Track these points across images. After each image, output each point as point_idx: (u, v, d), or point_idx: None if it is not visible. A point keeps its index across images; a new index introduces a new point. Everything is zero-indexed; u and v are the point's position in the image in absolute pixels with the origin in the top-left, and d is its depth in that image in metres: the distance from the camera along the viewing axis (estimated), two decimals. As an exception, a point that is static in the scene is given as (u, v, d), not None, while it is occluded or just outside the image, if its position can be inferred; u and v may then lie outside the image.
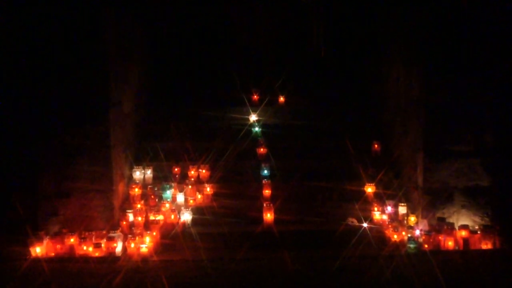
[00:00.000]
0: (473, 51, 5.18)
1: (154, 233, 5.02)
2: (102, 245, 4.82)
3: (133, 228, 5.12)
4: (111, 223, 5.18)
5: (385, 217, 5.36)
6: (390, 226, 5.17)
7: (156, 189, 5.63)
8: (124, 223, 5.19)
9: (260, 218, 5.28)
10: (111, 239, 4.84)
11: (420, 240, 5.02)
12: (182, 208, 5.37)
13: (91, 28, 5.03)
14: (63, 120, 5.08)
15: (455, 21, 5.17)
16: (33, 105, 5.07)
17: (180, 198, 5.58)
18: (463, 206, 5.27)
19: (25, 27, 5.05)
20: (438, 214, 5.28)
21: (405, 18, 5.81)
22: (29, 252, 4.74)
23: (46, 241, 4.83)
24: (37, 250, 4.75)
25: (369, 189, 5.68)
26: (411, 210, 5.46)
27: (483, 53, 5.19)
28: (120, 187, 5.49)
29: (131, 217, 5.24)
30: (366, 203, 5.56)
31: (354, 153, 6.09)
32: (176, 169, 5.90)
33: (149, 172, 5.83)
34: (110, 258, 4.73)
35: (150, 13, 6.96)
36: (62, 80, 5.06)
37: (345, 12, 7.50)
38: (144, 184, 5.72)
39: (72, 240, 4.85)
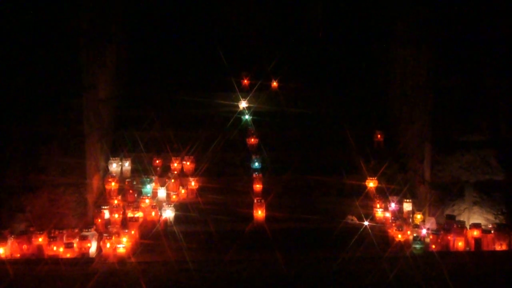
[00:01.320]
0: (487, 29, 5.18)
1: (133, 232, 5.00)
2: (74, 245, 4.80)
3: (109, 226, 5.11)
4: (84, 220, 5.18)
5: (388, 214, 5.37)
6: (393, 224, 5.16)
7: (135, 183, 5.64)
8: (99, 220, 5.19)
9: (251, 215, 5.30)
10: (84, 238, 4.81)
11: (427, 240, 5.03)
12: (164, 204, 5.37)
13: (62, 3, 5.00)
14: (30, 105, 5.06)
15: None
16: None
17: (162, 193, 5.60)
18: (475, 203, 5.30)
19: None
20: (447, 212, 5.30)
21: None
22: None
23: (10, 241, 4.80)
24: (1, 251, 4.72)
25: (371, 183, 5.70)
26: (417, 207, 5.49)
27: (498, 31, 5.18)
28: (95, 181, 5.49)
29: (106, 214, 5.25)
30: (367, 199, 5.59)
31: (354, 144, 6.12)
32: (157, 161, 5.93)
33: (127, 164, 5.85)
34: (83, 260, 4.73)
35: None
36: (27, 60, 5.02)
37: None
38: (121, 178, 5.73)
39: (40, 239, 4.81)
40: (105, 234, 4.87)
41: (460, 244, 4.99)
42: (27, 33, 4.99)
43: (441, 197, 5.31)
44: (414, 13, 5.76)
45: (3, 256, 4.70)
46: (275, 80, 7.02)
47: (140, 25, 7.40)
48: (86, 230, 4.95)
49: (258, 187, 5.61)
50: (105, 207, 5.27)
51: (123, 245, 4.81)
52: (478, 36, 5.18)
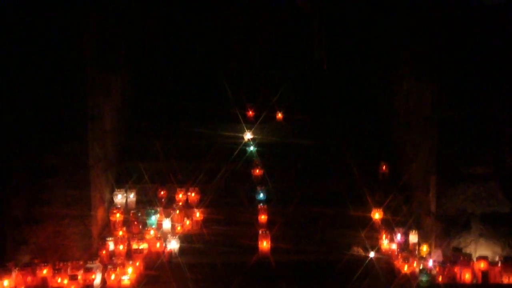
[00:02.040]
0: (491, 61, 5.21)
1: (137, 264, 5.01)
2: (79, 277, 4.76)
3: (113, 258, 5.08)
4: (89, 252, 5.16)
5: (394, 246, 5.34)
6: (399, 256, 5.15)
7: (139, 214, 5.63)
8: (104, 252, 5.16)
9: (255, 247, 5.28)
10: (88, 270, 4.78)
11: (434, 272, 5.00)
12: (169, 235, 5.37)
13: (67, 32, 5.04)
14: (34, 136, 5.07)
15: (470, 26, 5.22)
16: (2, 122, 5.06)
17: (167, 224, 5.58)
18: (481, 235, 5.26)
19: None
20: (454, 244, 5.28)
21: (415, 28, 5.87)
22: None
23: (15, 273, 4.76)
24: (5, 284, 4.67)
25: (376, 215, 5.69)
26: (423, 238, 5.45)
27: (503, 64, 5.22)
28: (100, 212, 5.47)
29: (111, 245, 5.23)
30: (373, 231, 5.57)
31: (359, 175, 6.08)
32: (162, 192, 5.92)
33: (132, 196, 5.85)
34: None
35: (135, 18, 7.06)
36: (33, 90, 5.05)
37: (351, 21, 7.63)
38: (126, 209, 5.71)
39: (44, 271, 4.80)
40: (109, 266, 4.85)
41: (467, 277, 4.95)
42: (33, 63, 5.00)
43: (447, 229, 5.28)
44: (417, 46, 5.79)
45: None
46: (279, 111, 7.05)
47: (145, 57, 7.43)
48: (91, 262, 4.93)
49: (263, 218, 5.60)
50: (110, 239, 5.26)
51: (127, 276, 4.81)
52: (482, 68, 5.20)
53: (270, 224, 5.56)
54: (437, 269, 5.00)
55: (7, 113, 5.04)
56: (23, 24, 4.99)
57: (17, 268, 4.79)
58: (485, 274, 4.97)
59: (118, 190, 5.80)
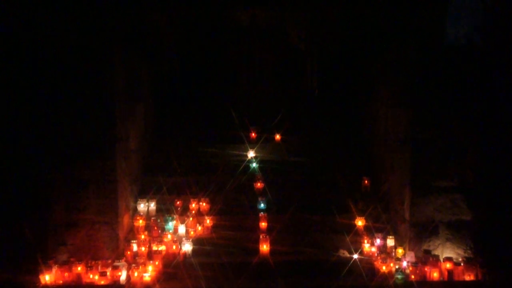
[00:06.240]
0: (456, 92, 5.25)
1: (157, 263, 5.01)
2: (108, 273, 4.81)
3: (136, 257, 5.09)
4: (116, 252, 5.16)
5: (374, 249, 5.35)
6: (379, 257, 5.15)
7: (159, 220, 5.63)
8: (129, 252, 5.17)
9: (257, 249, 5.26)
10: (116, 268, 4.83)
11: (408, 271, 5.01)
12: (183, 239, 5.36)
13: (99, 69, 5.09)
14: (73, 155, 5.10)
15: (438, 66, 5.25)
16: (46, 143, 5.08)
17: (182, 229, 5.58)
18: (447, 239, 5.26)
19: (36, 68, 5.09)
20: (424, 247, 5.28)
21: (393, 63, 5.86)
22: (39, 280, 4.74)
23: (55, 269, 4.81)
24: (47, 278, 4.74)
25: (359, 222, 5.67)
26: (399, 242, 5.45)
27: (465, 94, 5.26)
28: (125, 219, 5.49)
29: (135, 247, 5.23)
30: (356, 236, 5.55)
31: (345, 188, 6.08)
32: (178, 202, 5.91)
33: (152, 205, 5.82)
34: (115, 286, 4.73)
35: (155, 55, 7.00)
36: (72, 118, 5.10)
37: (337, 58, 7.56)
38: (147, 216, 5.70)
39: (79, 268, 4.84)
40: (133, 264, 4.87)
41: (435, 275, 4.97)
42: (72, 95, 5.06)
43: (419, 234, 5.26)
44: (394, 79, 5.79)
45: (48, 282, 4.72)
46: (278, 133, 7.01)
47: (165, 87, 7.39)
48: (118, 261, 4.95)
49: (263, 224, 5.58)
50: (134, 241, 5.25)
51: (148, 274, 4.83)
52: (449, 98, 5.23)
53: (269, 229, 5.54)
54: (411, 268, 5.00)
55: (50, 136, 5.07)
56: (66, 63, 5.06)
57: (56, 265, 4.84)
58: (450, 272, 4.97)
59: (141, 200, 5.77)
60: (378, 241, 5.42)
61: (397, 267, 5.00)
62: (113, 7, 5.17)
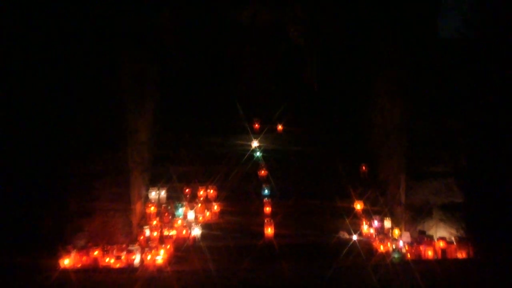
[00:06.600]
0: (448, 82, 5.33)
1: (168, 247, 5.09)
2: (122, 257, 4.91)
3: (149, 242, 5.18)
4: (130, 238, 5.24)
5: (372, 230, 5.44)
6: (377, 238, 5.26)
7: (169, 207, 5.69)
8: (142, 237, 5.25)
9: (262, 233, 5.34)
10: (130, 252, 4.93)
11: (404, 250, 5.11)
12: (193, 224, 5.45)
13: (109, 68, 5.18)
14: (87, 148, 5.19)
15: (432, 59, 5.32)
16: (62, 137, 5.19)
17: (191, 215, 5.65)
18: (441, 220, 5.35)
19: (52, 68, 5.22)
20: (419, 227, 5.36)
21: (389, 56, 5.89)
22: (58, 264, 4.83)
23: (73, 254, 4.90)
24: (66, 262, 4.84)
25: (358, 206, 5.76)
26: (395, 224, 5.52)
27: (458, 84, 5.34)
28: (138, 206, 5.53)
29: (147, 232, 5.29)
30: (355, 218, 5.63)
31: (344, 175, 6.16)
32: (187, 190, 5.97)
33: (163, 193, 5.88)
34: (129, 269, 4.82)
35: (162, 54, 7.00)
36: (87, 114, 5.19)
37: (336, 52, 7.54)
38: (159, 203, 5.76)
39: (96, 253, 4.94)
40: (146, 248, 4.95)
41: (429, 254, 5.09)
42: (83, 94, 5.17)
43: (414, 216, 5.35)
44: (390, 71, 5.83)
45: (67, 266, 4.81)
46: (280, 124, 7.06)
47: (172, 83, 7.36)
48: (132, 245, 5.04)
49: (267, 210, 5.65)
50: (146, 227, 5.31)
51: (160, 257, 4.90)
52: (442, 88, 5.30)
53: (273, 214, 5.61)
54: (407, 248, 5.10)
55: (65, 129, 5.18)
56: (79, 63, 5.18)
57: (75, 250, 4.94)
58: (444, 251, 5.09)
59: (152, 188, 5.84)
60: (376, 223, 5.50)
61: (394, 247, 5.09)
62: (120, 12, 5.26)
